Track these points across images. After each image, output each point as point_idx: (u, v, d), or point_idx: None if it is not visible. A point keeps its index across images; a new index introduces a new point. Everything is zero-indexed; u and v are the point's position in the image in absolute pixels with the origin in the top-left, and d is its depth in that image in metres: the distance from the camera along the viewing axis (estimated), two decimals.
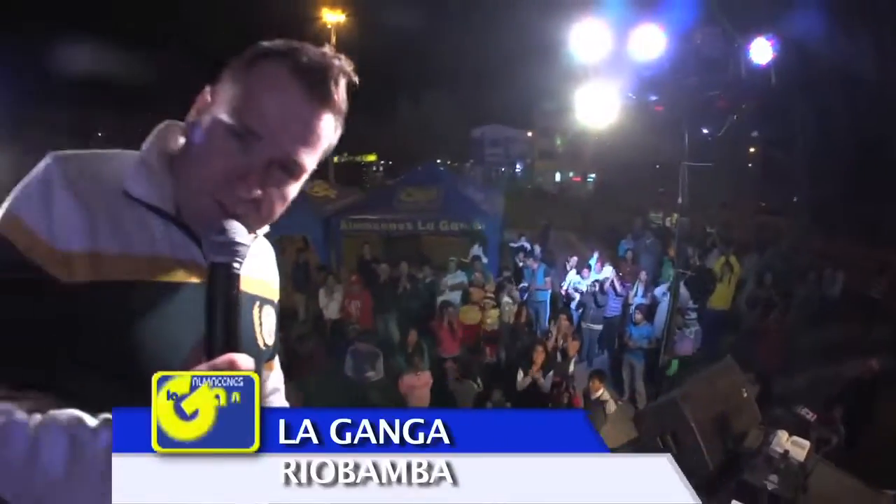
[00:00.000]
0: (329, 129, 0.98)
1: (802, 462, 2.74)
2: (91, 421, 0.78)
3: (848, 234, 13.66)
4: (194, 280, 0.97)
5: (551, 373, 6.78)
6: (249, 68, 0.95)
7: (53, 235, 0.86)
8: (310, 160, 0.97)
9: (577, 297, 9.69)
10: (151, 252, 0.93)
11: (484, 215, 11.83)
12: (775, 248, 12.21)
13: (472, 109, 49.39)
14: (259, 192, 0.94)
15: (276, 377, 1.30)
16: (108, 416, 0.77)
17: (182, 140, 1.02)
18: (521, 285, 10.02)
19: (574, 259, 10.81)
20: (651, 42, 6.70)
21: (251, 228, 0.99)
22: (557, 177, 48.26)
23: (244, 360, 0.81)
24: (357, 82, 0.99)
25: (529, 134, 50.53)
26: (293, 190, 1.00)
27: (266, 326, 1.14)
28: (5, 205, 0.89)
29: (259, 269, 1.16)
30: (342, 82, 0.97)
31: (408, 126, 44.07)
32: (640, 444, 3.36)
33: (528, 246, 11.94)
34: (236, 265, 0.88)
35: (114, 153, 1.00)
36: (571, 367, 7.18)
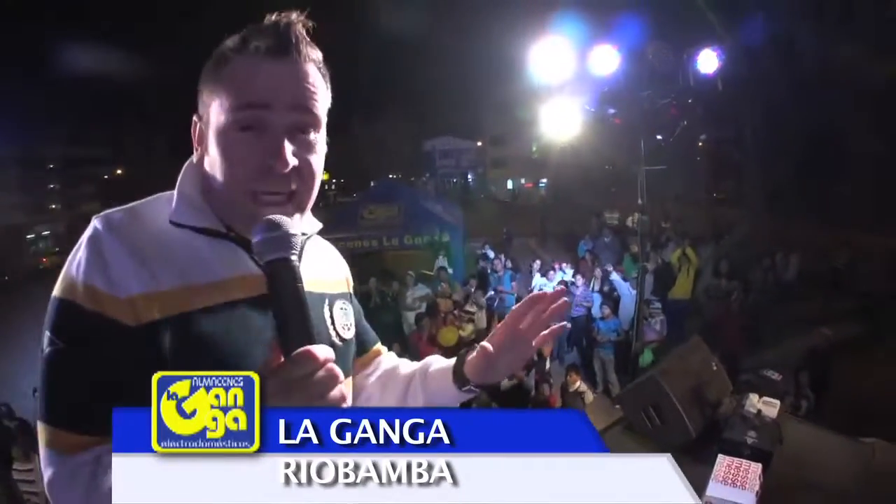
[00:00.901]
0: (316, 77, 1.01)
1: (775, 418, 2.99)
2: None
3: (798, 217, 14.23)
4: (255, 293, 0.99)
5: (533, 371, 7.02)
6: (220, 70, 0.98)
7: (112, 285, 0.89)
8: (319, 107, 1.01)
9: None
10: (209, 277, 0.97)
11: (446, 227, 12.02)
12: (730, 237, 12.70)
13: (421, 123, 49.57)
14: (296, 160, 0.97)
15: (388, 358, 1.41)
16: None
17: (207, 168, 1.04)
18: (489, 294, 10.21)
19: (538, 263, 11.08)
20: (606, 60, 7.16)
21: (302, 207, 1.04)
22: (510, 184, 48.74)
23: (322, 350, 0.83)
24: (314, 25, 1.02)
25: (479, 144, 50.90)
26: (320, 148, 1.04)
27: (340, 321, 1.17)
28: (62, 274, 0.93)
29: (317, 268, 1.17)
30: (301, 31, 0.99)
31: (359, 144, 44.01)
32: (624, 422, 3.55)
33: (491, 254, 12.16)
34: (293, 257, 0.90)
35: (149, 198, 1.05)
36: (548, 365, 7.44)
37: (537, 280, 10.43)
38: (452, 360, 1.25)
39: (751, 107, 13.88)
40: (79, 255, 0.93)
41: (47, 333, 0.90)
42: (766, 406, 3.08)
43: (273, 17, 0.99)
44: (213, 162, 1.00)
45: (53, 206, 39.19)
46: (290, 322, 0.86)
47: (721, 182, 20.27)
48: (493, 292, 10.27)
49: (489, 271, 10.89)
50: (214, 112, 0.98)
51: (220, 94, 0.97)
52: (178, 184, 1.05)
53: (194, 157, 1.07)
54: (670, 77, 7.29)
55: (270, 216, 0.93)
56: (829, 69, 13.06)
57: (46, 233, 36.50)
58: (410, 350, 7.98)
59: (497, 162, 49.11)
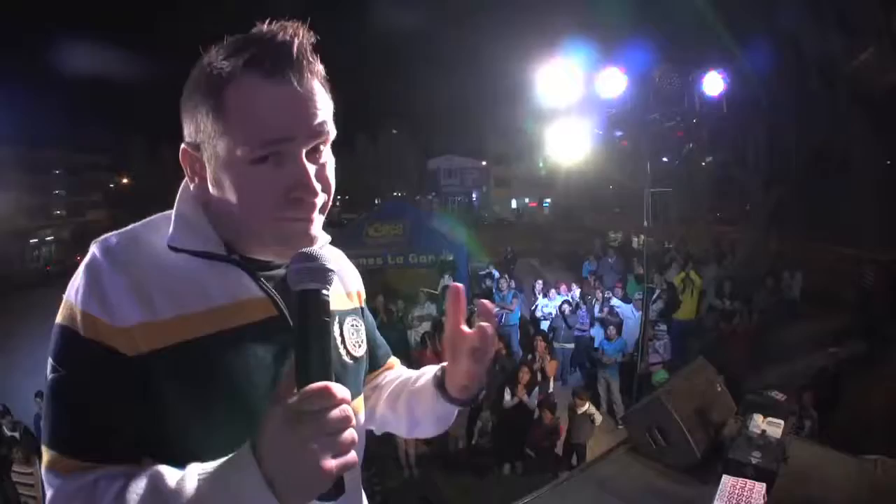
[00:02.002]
0: (321, 92, 0.96)
1: (779, 438, 3.02)
2: (173, 474, 0.82)
3: (803, 236, 14.23)
4: (260, 317, 0.98)
5: (536, 390, 7.04)
6: (219, 94, 0.91)
7: (110, 314, 0.87)
8: (330, 123, 0.97)
9: (549, 320, 10.00)
10: (208, 304, 0.94)
11: (451, 246, 12.06)
12: (733, 257, 12.71)
13: (426, 142, 50.01)
14: (319, 183, 0.95)
15: (397, 370, 1.40)
16: (194, 464, 0.83)
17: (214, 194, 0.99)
18: (495, 311, 10.19)
19: (540, 283, 11.14)
20: (614, 83, 7.29)
21: (324, 213, 1.02)
22: (514, 203, 48.95)
23: (339, 389, 0.78)
24: (317, 38, 0.95)
25: (483, 163, 51.14)
26: (332, 159, 1.00)
27: (351, 339, 1.15)
28: (64, 299, 0.92)
29: None
30: (307, 47, 0.94)
31: (364, 162, 44.31)
32: (629, 443, 3.58)
33: (496, 274, 12.20)
34: (325, 291, 0.86)
35: (150, 219, 1.02)
36: (551, 387, 7.46)
37: (540, 301, 10.49)
38: (437, 367, 1.22)
39: (755, 128, 13.96)
40: (77, 281, 0.91)
41: (50, 360, 0.89)
42: (771, 426, 3.13)
43: (274, 30, 0.92)
44: (224, 194, 0.96)
45: (58, 212, 39.46)
46: (310, 354, 0.82)
47: (726, 203, 20.29)
48: (497, 309, 10.29)
49: (494, 290, 10.93)
50: (222, 145, 0.92)
51: (228, 125, 0.90)
52: (175, 206, 1.02)
53: (191, 185, 1.02)
54: (676, 100, 7.42)
55: (307, 249, 0.89)
56: (834, 86, 13.12)
57: (50, 238, 36.78)
58: (415, 367, 7.99)
59: (501, 181, 49.34)
